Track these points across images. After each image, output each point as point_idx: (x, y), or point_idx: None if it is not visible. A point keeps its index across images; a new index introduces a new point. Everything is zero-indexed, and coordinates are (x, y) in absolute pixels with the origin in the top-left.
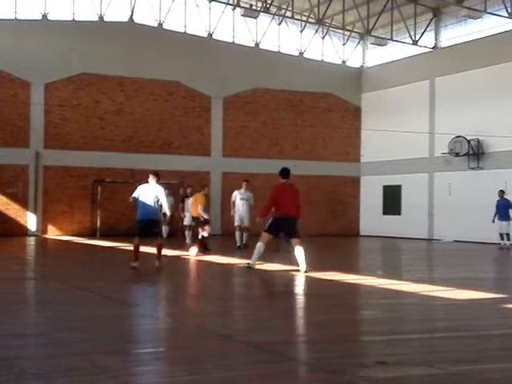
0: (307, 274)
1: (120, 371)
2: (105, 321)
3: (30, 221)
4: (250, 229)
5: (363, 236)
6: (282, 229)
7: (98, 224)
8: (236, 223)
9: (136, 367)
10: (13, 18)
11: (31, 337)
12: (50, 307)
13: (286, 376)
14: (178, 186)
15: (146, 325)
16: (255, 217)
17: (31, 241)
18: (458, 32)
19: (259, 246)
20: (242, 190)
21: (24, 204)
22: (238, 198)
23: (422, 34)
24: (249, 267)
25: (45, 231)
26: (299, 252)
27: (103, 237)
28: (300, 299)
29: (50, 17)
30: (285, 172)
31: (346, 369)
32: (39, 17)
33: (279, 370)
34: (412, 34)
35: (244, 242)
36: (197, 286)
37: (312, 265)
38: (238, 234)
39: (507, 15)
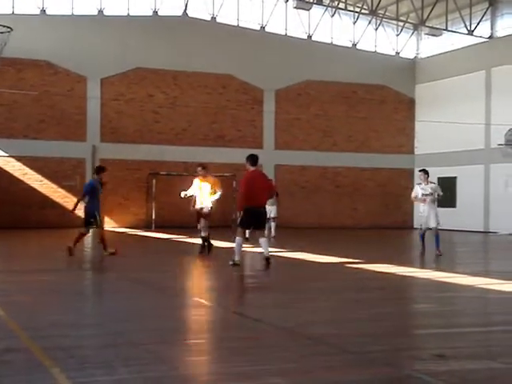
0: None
1: (180, 361)
2: (161, 311)
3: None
4: (277, 220)
5: (417, 228)
6: (252, 220)
7: (153, 216)
8: None
9: (196, 357)
10: (70, 13)
11: (89, 327)
12: (107, 298)
13: (343, 369)
14: (230, 179)
15: (205, 315)
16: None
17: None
18: None
19: (237, 241)
20: None
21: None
22: None
23: (478, 23)
24: (234, 264)
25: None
26: (265, 243)
27: (158, 229)
28: (355, 292)
29: (105, 12)
30: (253, 159)
31: (403, 362)
32: (95, 12)
33: (337, 363)
34: (467, 23)
35: (273, 235)
36: (251, 278)
37: (366, 257)
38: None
39: None
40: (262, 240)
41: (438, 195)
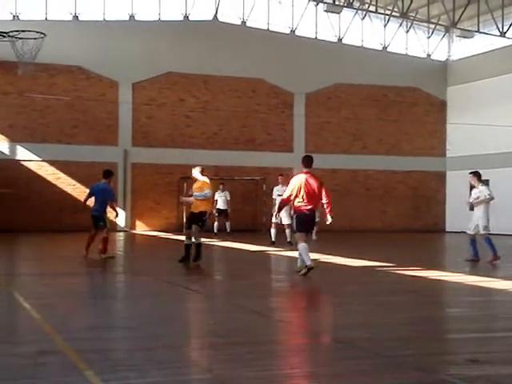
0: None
1: (213, 365)
2: (195, 315)
3: (119, 217)
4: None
5: (449, 232)
6: (306, 224)
7: (184, 220)
8: (273, 220)
9: (227, 361)
10: (101, 19)
11: (123, 330)
12: (140, 301)
13: (375, 373)
14: (261, 182)
15: (235, 319)
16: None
17: (120, 236)
18: None
19: (301, 248)
20: (279, 186)
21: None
22: (276, 194)
23: (510, 25)
24: (309, 269)
25: (133, 227)
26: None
27: None
28: (387, 296)
29: (136, 17)
30: (306, 160)
31: (436, 367)
32: (127, 18)
33: (368, 367)
34: (499, 25)
35: (288, 240)
36: (280, 280)
37: (398, 261)
38: (273, 230)
39: None
40: (305, 246)
41: (486, 197)
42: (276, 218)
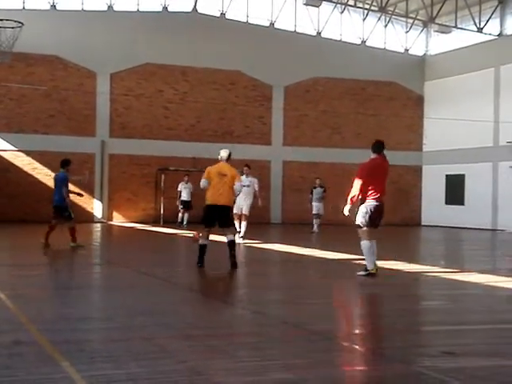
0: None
1: (188, 356)
2: (171, 306)
3: (96, 208)
4: (248, 217)
5: (425, 226)
6: (377, 217)
7: (162, 211)
8: (234, 211)
9: (203, 352)
10: (80, 9)
11: (99, 321)
12: (117, 292)
13: (351, 365)
14: (239, 175)
15: (211, 310)
16: (257, 204)
17: (97, 227)
18: None
19: (367, 246)
20: (243, 176)
21: (90, 191)
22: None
23: (487, 21)
24: (369, 273)
25: (110, 218)
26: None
27: (166, 224)
28: (363, 289)
29: (115, 8)
30: (376, 145)
31: (412, 359)
32: (105, 8)
33: (345, 359)
34: (477, 21)
35: (240, 232)
36: (260, 274)
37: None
38: (236, 222)
39: None
40: (371, 243)
41: None
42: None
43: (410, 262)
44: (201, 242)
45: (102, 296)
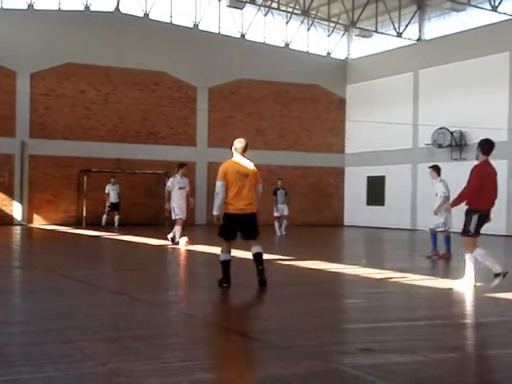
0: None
1: (108, 358)
2: (92, 309)
3: (16, 210)
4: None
5: (347, 226)
6: (481, 225)
7: (84, 213)
8: (178, 216)
9: (124, 354)
10: None
11: (19, 325)
12: (37, 295)
13: (273, 363)
14: (163, 176)
15: (134, 312)
16: (189, 205)
17: (17, 230)
18: (441, 24)
19: (481, 255)
20: (178, 177)
21: (10, 193)
22: (177, 187)
23: (407, 26)
24: (503, 274)
25: (30, 220)
26: (484, 256)
27: (89, 226)
28: (285, 288)
29: (36, 6)
30: (485, 144)
31: (330, 356)
32: (25, 6)
33: (267, 358)
34: (396, 26)
35: (172, 236)
36: (186, 274)
37: (298, 254)
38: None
39: (490, 8)
40: (481, 252)
41: (441, 196)
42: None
43: (331, 261)
44: (222, 257)
45: (20, 300)
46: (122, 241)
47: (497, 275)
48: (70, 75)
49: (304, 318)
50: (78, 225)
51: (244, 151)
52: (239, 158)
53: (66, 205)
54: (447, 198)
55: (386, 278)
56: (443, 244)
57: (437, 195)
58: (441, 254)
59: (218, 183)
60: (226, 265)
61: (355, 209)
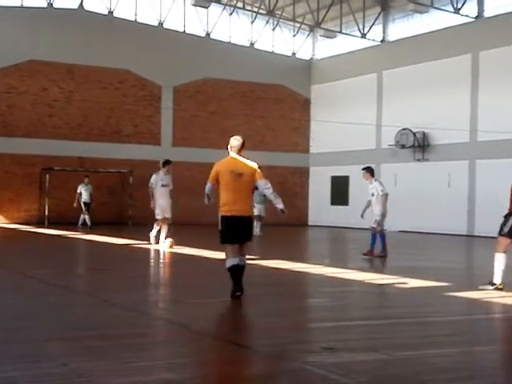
0: (256, 263)
1: (70, 358)
2: (54, 308)
3: None
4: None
5: (311, 226)
6: None
7: (46, 212)
8: (159, 216)
9: (85, 354)
10: None
11: None
12: None
13: (237, 362)
14: (128, 175)
15: (96, 312)
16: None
17: None
18: (405, 26)
19: (500, 259)
20: (162, 174)
21: None
22: (160, 184)
23: (371, 27)
24: (496, 288)
25: None
26: None
27: (51, 225)
28: (249, 288)
29: None
30: None
31: (294, 355)
32: None
33: (230, 357)
34: (361, 27)
35: (154, 235)
36: (150, 274)
37: (261, 253)
38: (158, 228)
39: (453, 10)
40: (500, 256)
41: (379, 194)
42: None
43: (294, 260)
44: (229, 263)
45: None
46: (86, 240)
47: (492, 284)
48: (31, 72)
49: (268, 318)
50: (40, 224)
51: (240, 150)
52: (234, 158)
53: (28, 203)
54: (387, 194)
55: (349, 277)
56: (373, 242)
57: (373, 195)
58: (377, 253)
59: (207, 185)
60: (235, 270)
61: (320, 208)
